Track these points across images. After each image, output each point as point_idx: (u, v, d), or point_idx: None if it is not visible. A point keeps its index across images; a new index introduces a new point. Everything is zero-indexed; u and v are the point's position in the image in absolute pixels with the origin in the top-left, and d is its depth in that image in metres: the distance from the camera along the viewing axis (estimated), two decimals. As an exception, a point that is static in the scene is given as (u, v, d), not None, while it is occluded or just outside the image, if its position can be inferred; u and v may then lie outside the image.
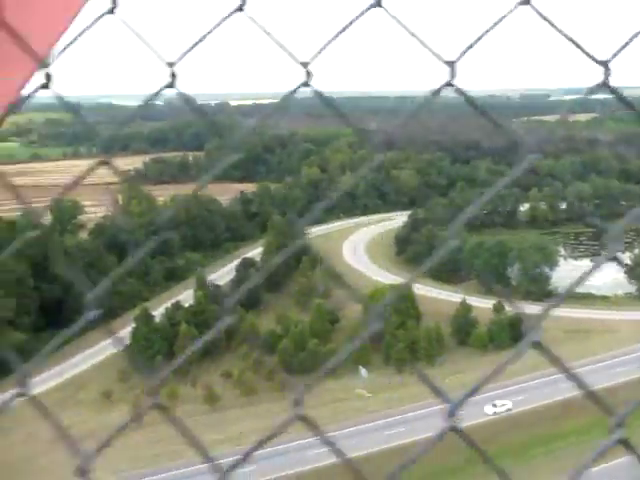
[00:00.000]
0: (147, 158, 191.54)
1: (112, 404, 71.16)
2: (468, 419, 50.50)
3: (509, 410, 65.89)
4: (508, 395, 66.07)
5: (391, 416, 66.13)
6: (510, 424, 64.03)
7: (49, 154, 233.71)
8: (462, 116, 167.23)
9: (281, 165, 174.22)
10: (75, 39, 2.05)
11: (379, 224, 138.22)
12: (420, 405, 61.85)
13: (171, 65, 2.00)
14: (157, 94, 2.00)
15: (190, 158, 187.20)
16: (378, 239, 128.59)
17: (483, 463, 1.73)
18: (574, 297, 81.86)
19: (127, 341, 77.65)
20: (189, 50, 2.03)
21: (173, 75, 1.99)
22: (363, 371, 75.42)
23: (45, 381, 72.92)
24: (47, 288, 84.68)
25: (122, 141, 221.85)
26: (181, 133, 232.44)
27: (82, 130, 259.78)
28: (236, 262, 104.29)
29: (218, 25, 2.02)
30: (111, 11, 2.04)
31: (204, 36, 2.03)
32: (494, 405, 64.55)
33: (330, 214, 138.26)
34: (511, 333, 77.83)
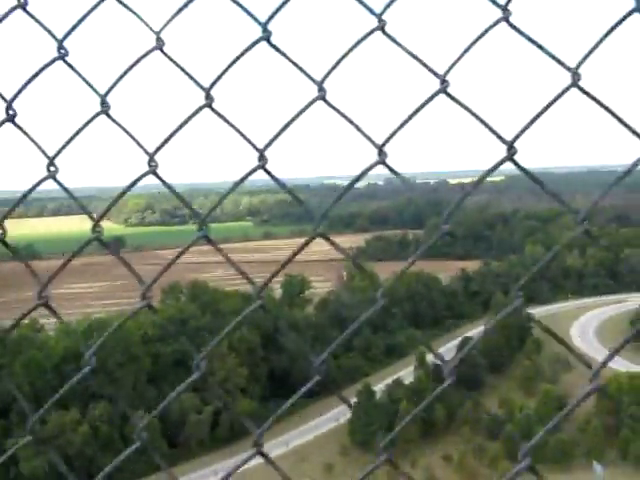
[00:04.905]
0: (369, 236, 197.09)
1: (334, 478, 71.94)
2: None
3: None
4: None
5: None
6: None
7: (279, 232, 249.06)
8: None
9: (503, 243, 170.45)
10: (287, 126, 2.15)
11: (610, 306, 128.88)
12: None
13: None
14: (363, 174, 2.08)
15: (410, 236, 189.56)
16: (610, 322, 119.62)
17: None
18: None
19: (349, 416, 78.62)
20: (396, 131, 2.06)
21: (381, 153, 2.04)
22: (599, 467, 67.18)
23: (272, 449, 75.77)
24: (275, 359, 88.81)
25: (346, 219, 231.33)
26: (402, 211, 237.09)
27: (307, 210, 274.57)
28: (457, 341, 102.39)
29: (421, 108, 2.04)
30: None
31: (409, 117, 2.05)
32: None
33: (557, 294, 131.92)
34: None
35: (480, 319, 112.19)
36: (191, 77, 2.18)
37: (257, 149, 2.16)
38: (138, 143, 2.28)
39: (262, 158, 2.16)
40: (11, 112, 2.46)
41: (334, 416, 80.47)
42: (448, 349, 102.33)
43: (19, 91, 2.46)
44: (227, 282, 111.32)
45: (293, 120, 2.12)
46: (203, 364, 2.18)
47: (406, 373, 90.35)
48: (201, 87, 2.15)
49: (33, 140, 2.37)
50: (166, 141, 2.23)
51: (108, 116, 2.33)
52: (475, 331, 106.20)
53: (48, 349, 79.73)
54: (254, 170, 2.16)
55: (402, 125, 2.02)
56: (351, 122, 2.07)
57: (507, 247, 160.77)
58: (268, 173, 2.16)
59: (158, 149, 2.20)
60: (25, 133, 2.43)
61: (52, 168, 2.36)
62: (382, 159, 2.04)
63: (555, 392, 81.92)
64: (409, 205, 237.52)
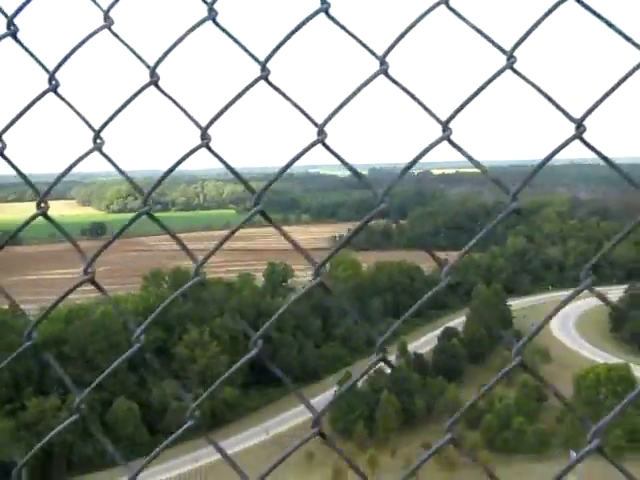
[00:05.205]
0: (352, 225, 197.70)
1: (314, 467, 72.18)
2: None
3: None
4: None
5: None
6: None
7: (263, 220, 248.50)
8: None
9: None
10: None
11: (590, 298, 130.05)
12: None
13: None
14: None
15: (393, 226, 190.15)
16: (590, 314, 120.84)
17: None
18: None
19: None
20: (461, 107, 2.03)
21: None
22: (575, 456, 68.47)
23: (251, 437, 75.97)
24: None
25: (330, 209, 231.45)
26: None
27: (290, 199, 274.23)
28: (438, 331, 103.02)
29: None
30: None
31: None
32: None
33: (538, 286, 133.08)
34: None
35: (462, 309, 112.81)
36: (246, 49, 2.14)
37: (316, 124, 2.13)
38: (189, 116, 2.23)
39: (321, 133, 2.12)
40: (54, 82, 2.40)
41: (314, 405, 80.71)
42: (430, 338, 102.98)
43: (62, 62, 2.40)
44: (210, 270, 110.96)
45: (353, 95, 2.08)
46: (260, 342, 2.17)
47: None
48: (256, 60, 2.11)
49: (77, 112, 2.32)
50: (220, 114, 2.19)
51: (157, 87, 2.28)
52: (457, 321, 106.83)
53: (28, 334, 79.13)
54: (313, 145, 2.13)
55: (467, 102, 2.00)
56: (414, 98, 2.04)
57: (489, 238, 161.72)
58: (327, 147, 2.13)
59: (211, 122, 2.15)
60: (69, 104, 2.38)
61: (98, 140, 2.30)
62: (447, 135, 2.01)
63: (534, 383, 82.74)
64: (392, 195, 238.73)
